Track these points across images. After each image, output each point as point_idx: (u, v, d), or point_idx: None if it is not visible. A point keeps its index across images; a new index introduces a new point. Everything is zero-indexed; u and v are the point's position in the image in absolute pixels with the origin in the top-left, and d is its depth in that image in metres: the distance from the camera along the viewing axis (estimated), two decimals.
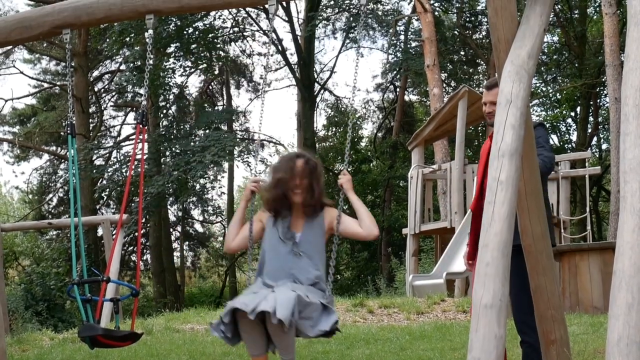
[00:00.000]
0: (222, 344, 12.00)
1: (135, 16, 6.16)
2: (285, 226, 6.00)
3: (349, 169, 38.45)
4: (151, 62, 6.28)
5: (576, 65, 34.14)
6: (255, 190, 6.11)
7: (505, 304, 4.03)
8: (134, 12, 6.03)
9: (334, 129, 41.53)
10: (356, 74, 5.95)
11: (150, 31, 6.08)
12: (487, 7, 5.08)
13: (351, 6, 33.33)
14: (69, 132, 6.29)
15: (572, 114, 36.81)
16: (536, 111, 35.94)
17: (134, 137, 38.70)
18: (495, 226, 4.20)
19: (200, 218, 44.01)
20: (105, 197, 38.42)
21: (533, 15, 4.96)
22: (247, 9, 34.30)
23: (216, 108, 38.99)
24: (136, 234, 35.05)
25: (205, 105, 37.91)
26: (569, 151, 31.70)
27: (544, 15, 4.97)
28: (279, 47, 35.89)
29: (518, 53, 4.79)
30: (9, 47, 33.38)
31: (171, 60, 32.32)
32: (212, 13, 32.22)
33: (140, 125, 6.20)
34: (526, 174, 5.21)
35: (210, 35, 32.54)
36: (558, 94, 35.40)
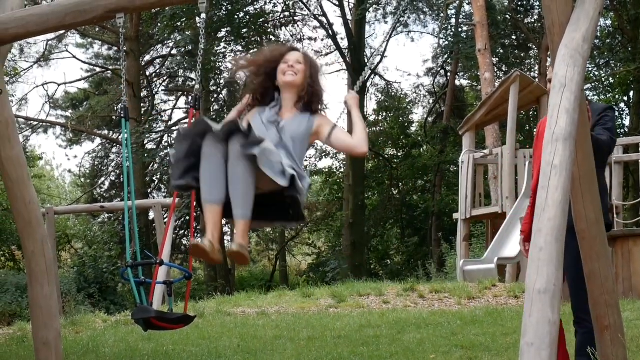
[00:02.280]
0: (274, 327, 12.07)
1: (188, 0, 6.18)
2: (273, 112, 5.86)
3: (400, 154, 38.43)
4: (203, 46, 6.27)
5: (629, 49, 33.70)
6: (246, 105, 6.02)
7: (559, 289, 4.01)
8: None
9: (384, 114, 41.41)
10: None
11: (203, 15, 6.09)
12: None
13: None
14: (122, 115, 6.32)
15: (625, 98, 36.39)
16: (588, 96, 35.54)
17: (184, 121, 38.98)
18: (549, 211, 4.18)
19: None
20: (156, 181, 38.65)
21: None
22: None
23: None
24: (187, 217, 35.27)
25: None
26: (622, 136, 31.37)
27: None
28: (330, 32, 35.82)
29: (573, 36, 4.75)
30: (62, 32, 33.66)
31: (222, 44, 32.41)
32: None
33: (194, 110, 6.23)
34: (580, 158, 5.16)
35: (260, 20, 32.58)
36: (611, 79, 35.01)
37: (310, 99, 5.89)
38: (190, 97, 6.99)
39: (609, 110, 6.41)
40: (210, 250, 5.30)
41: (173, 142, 5.22)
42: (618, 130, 35.09)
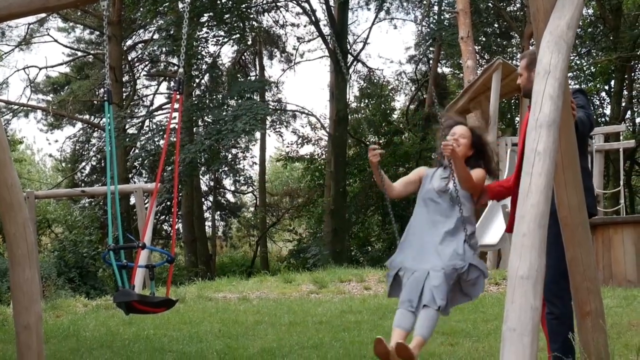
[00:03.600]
0: (255, 312, 12.08)
1: None
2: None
3: (382, 141, 38.48)
4: (186, 30, 6.25)
5: (611, 38, 33.83)
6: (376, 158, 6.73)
7: (541, 275, 4.02)
8: None
9: (366, 101, 41.40)
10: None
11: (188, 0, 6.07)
12: None
13: None
14: (105, 98, 6.30)
15: (606, 87, 36.50)
16: (570, 85, 35.53)
17: (166, 106, 38.92)
18: (532, 197, 4.19)
19: (232, 188, 44.12)
20: (138, 167, 38.56)
21: None
22: None
23: (249, 78, 38.93)
24: (168, 202, 35.29)
25: (238, 75, 37.83)
26: (602, 125, 31.45)
27: None
28: (312, 18, 35.76)
29: (557, 23, 4.75)
30: (44, 15, 33.48)
31: (204, 29, 32.29)
32: None
33: (177, 94, 6.21)
34: (563, 145, 5.18)
35: (243, 5, 32.47)
36: (592, 67, 35.10)
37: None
38: (173, 82, 7.00)
39: (578, 92, 6.54)
40: (392, 355, 6.00)
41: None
42: (599, 120, 35.24)
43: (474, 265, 6.42)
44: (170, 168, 28.72)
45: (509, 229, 6.60)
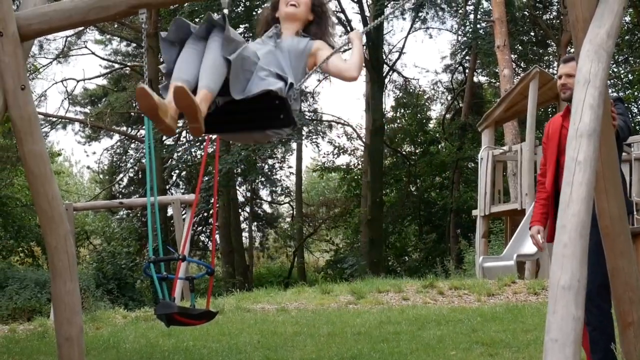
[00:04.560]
0: (293, 323, 12.08)
1: None
2: (271, 33, 5.90)
3: (418, 151, 38.37)
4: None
5: None
6: None
7: (583, 285, 4.00)
8: None
9: (402, 111, 41.42)
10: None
11: (226, 11, 6.09)
12: None
13: None
14: None
15: None
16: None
17: None
18: (573, 207, 4.16)
19: (269, 199, 44.21)
20: (174, 177, 38.74)
21: None
22: None
23: None
24: (205, 214, 35.39)
25: None
26: None
27: None
28: (348, 28, 35.78)
29: (597, 32, 4.73)
30: (82, 28, 33.74)
31: None
32: None
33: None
34: (604, 154, 5.15)
35: None
36: (630, 75, 34.92)
37: (314, 27, 5.96)
38: None
39: (617, 100, 6.53)
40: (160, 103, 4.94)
41: (159, 44, 5.11)
42: (637, 127, 35.01)
43: None
44: (206, 179, 28.85)
45: (549, 238, 6.57)
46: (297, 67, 5.74)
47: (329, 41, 5.92)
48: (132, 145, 40.22)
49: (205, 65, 5.24)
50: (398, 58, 40.40)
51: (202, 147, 32.76)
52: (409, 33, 38.72)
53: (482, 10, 34.41)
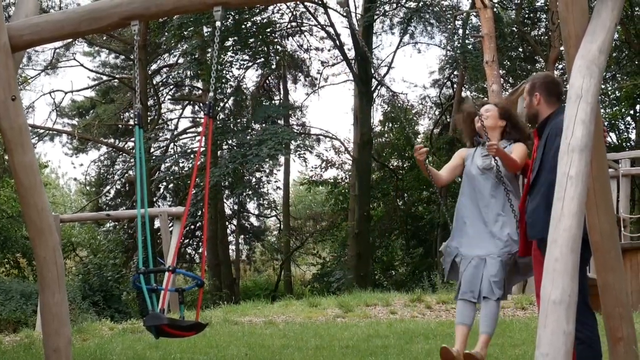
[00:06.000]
0: (281, 336, 12.06)
1: (203, 8, 6.19)
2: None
3: (405, 165, 38.37)
4: (217, 53, 6.33)
5: (636, 62, 33.72)
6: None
7: (574, 300, 4.01)
8: (202, 4, 6.06)
9: (390, 125, 41.39)
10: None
11: (218, 23, 6.09)
12: (557, 3, 5.05)
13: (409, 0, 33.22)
14: (136, 122, 6.32)
15: (632, 112, 36.34)
16: None
17: (191, 130, 39.04)
18: (564, 222, 4.18)
19: (256, 212, 44.16)
20: (162, 189, 38.67)
21: (604, 9, 4.92)
22: (306, 3, 34.19)
23: (273, 102, 38.99)
24: (192, 226, 35.30)
25: (262, 99, 37.89)
26: (628, 149, 31.30)
27: (615, 9, 4.93)
28: (337, 42, 35.80)
29: (589, 48, 4.75)
30: (70, 40, 33.69)
31: (229, 53, 32.39)
32: (271, 7, 32.27)
33: (207, 117, 6.23)
34: (595, 170, 5.16)
35: (267, 30, 32.59)
36: (617, 92, 34.96)
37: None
38: (202, 105, 7.03)
39: None
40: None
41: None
42: (624, 144, 35.09)
43: None
44: (194, 192, 28.79)
45: (521, 252, 6.61)
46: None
47: None
48: (120, 158, 40.17)
49: (486, 312, 6.98)
50: (387, 72, 40.38)
51: (190, 158, 32.79)
52: (397, 47, 38.66)
53: (470, 25, 34.46)
